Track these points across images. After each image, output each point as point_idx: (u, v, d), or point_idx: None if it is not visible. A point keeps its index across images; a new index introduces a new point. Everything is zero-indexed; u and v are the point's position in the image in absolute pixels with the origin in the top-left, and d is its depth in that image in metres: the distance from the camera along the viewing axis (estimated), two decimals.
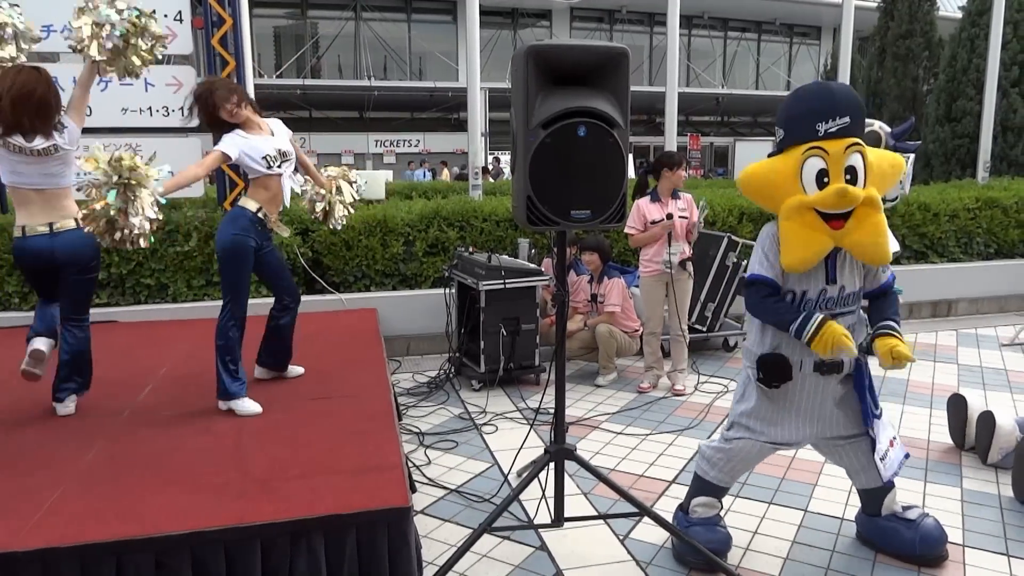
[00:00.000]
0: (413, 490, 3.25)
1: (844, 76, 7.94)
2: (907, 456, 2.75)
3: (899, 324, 2.64)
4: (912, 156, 5.50)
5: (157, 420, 3.26)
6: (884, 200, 5.34)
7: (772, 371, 2.58)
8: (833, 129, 2.44)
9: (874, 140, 5.46)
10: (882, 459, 2.64)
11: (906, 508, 2.85)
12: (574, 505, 3.17)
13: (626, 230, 4.89)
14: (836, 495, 3.33)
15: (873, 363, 2.62)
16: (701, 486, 2.85)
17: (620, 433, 4.13)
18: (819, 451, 2.88)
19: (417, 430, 4.13)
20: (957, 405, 3.86)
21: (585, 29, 26.71)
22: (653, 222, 4.67)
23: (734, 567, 2.74)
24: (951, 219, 7.33)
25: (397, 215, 5.85)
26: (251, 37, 6.29)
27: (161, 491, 2.50)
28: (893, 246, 5.68)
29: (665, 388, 4.87)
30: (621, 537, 2.97)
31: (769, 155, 2.67)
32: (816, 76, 19.18)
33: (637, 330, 5.13)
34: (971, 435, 3.76)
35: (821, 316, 2.48)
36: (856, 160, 2.46)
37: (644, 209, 4.77)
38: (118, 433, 3.10)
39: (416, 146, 24.48)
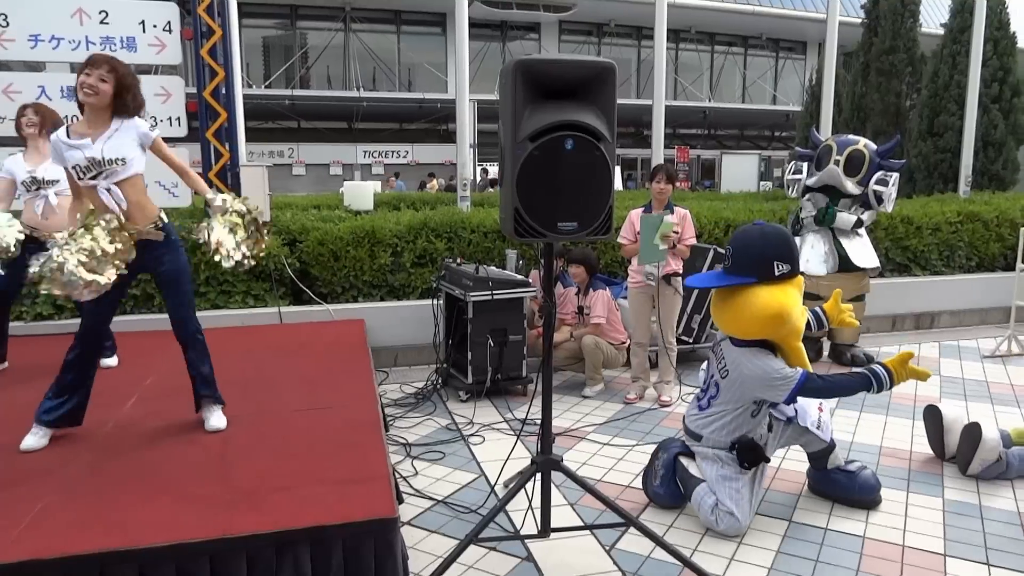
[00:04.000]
0: (400, 501, 3.24)
1: (828, 91, 8.06)
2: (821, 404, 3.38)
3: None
4: (896, 175, 5.60)
5: (142, 431, 3.25)
6: (861, 222, 5.45)
7: (748, 455, 3.11)
8: None
9: (859, 158, 5.55)
10: (817, 427, 3.27)
11: (848, 463, 3.42)
12: (560, 516, 3.18)
13: (619, 239, 4.93)
14: (822, 505, 3.37)
15: None
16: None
17: (607, 444, 4.14)
18: None
19: (404, 441, 4.13)
20: (933, 417, 3.91)
21: (574, 42, 26.92)
22: (639, 232, 4.70)
23: None
24: (933, 232, 7.43)
25: (385, 226, 5.87)
26: (240, 47, 6.30)
27: (146, 503, 2.49)
28: (874, 261, 5.78)
29: (651, 399, 4.89)
30: (607, 548, 2.98)
31: (759, 281, 3.02)
32: (802, 90, 19.39)
33: (624, 342, 5.16)
34: (951, 445, 3.81)
35: (882, 368, 3.09)
36: None
37: (634, 220, 4.81)
38: (102, 444, 3.08)
39: (405, 157, 24.53)
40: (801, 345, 3.09)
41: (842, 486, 3.37)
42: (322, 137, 24.67)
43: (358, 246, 5.75)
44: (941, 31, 11.98)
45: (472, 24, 6.86)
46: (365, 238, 5.78)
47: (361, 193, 7.10)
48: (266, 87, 23.49)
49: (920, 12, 12.80)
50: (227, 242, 3.14)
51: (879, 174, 5.47)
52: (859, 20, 13.37)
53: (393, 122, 25.84)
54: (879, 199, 5.47)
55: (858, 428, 4.37)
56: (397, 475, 3.49)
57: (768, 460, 3.22)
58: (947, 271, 7.51)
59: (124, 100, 3.07)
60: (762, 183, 21.67)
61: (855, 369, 3.16)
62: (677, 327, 5.21)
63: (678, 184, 5.04)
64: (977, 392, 5.11)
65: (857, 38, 13.18)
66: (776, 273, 3.00)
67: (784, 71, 30.54)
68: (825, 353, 5.99)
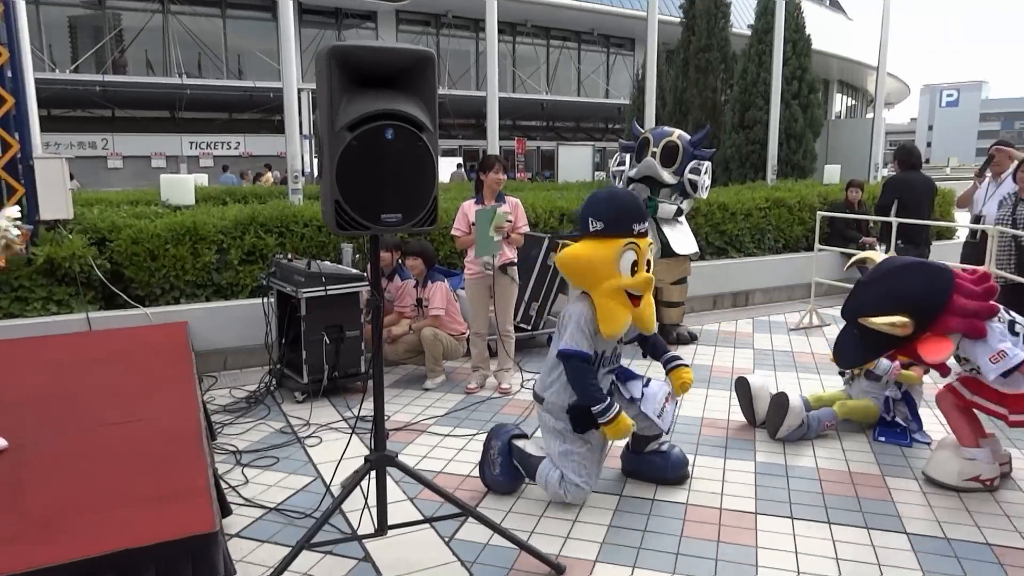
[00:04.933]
0: (227, 513, 3.06)
1: (651, 86, 8.51)
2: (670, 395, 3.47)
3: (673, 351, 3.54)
4: (708, 163, 5.99)
5: None
6: (681, 210, 5.76)
7: (581, 419, 3.18)
8: (643, 230, 3.18)
9: (673, 149, 5.90)
10: (659, 416, 3.38)
11: (660, 443, 3.55)
12: (400, 512, 3.13)
13: (452, 232, 4.94)
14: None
15: None
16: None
17: (447, 435, 4.14)
18: None
19: (234, 448, 3.91)
20: (742, 388, 4.27)
21: (412, 32, 26.65)
22: (473, 224, 4.73)
23: (554, 556, 2.83)
24: (746, 217, 8.07)
25: (208, 222, 5.50)
26: (37, 25, 5.63)
27: None
28: (692, 247, 6.16)
29: (492, 388, 4.95)
30: (446, 539, 2.98)
31: (574, 238, 3.25)
32: (631, 85, 20.46)
33: (464, 332, 5.18)
34: (760, 412, 4.16)
35: (618, 408, 3.12)
36: (648, 254, 3.24)
37: (467, 211, 4.83)
38: None
39: (236, 148, 23.22)
40: (611, 306, 3.10)
41: (657, 466, 3.51)
42: (141, 127, 22.81)
43: (178, 244, 5.36)
44: (749, 32, 13.02)
45: (305, 11, 6.61)
46: (186, 235, 5.39)
47: (180, 186, 6.60)
48: (73, 71, 21.33)
49: (731, 13, 13.84)
50: None
51: (692, 163, 5.83)
52: (678, 19, 14.24)
53: (222, 111, 24.38)
54: (693, 187, 5.83)
55: (681, 402, 4.66)
56: (224, 486, 3.29)
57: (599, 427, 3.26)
58: (759, 253, 8.19)
59: None
60: (597, 173, 22.63)
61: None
62: (515, 315, 5.31)
63: (515, 175, 5.11)
64: (784, 362, 5.62)
65: (678, 36, 14.04)
66: (591, 229, 3.15)
67: (615, 66, 32.00)
68: None
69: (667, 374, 3.46)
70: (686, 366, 3.46)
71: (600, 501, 3.32)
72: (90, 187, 14.58)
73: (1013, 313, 3.28)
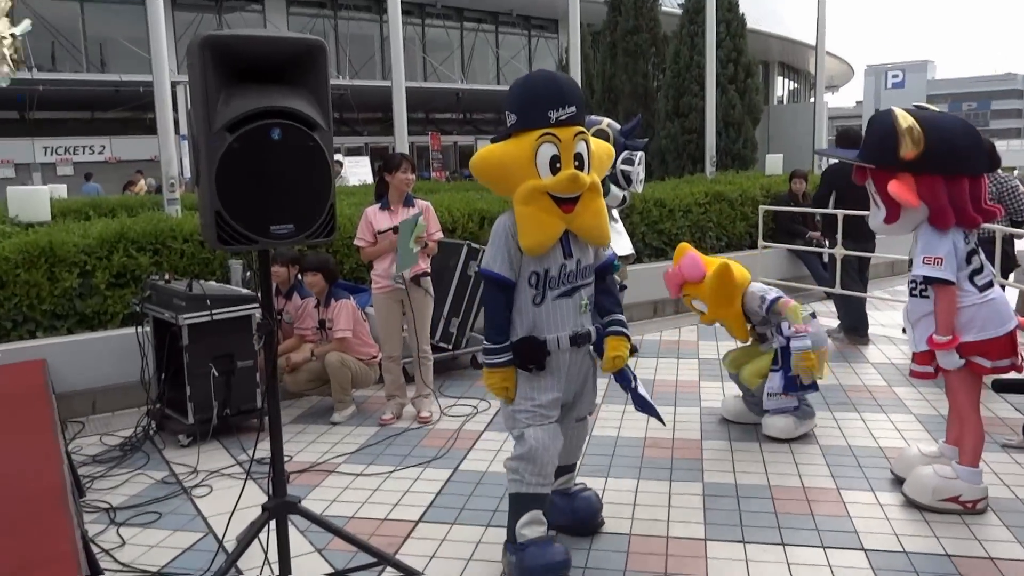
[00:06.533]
0: None
1: (576, 72, 8.68)
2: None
3: (622, 315, 3.20)
4: (641, 153, 6.16)
5: None
6: (626, 199, 5.87)
7: (526, 355, 2.93)
8: (563, 117, 2.82)
9: (603, 138, 6.02)
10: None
11: (575, 486, 3.38)
12: (307, 565, 3.08)
13: (355, 242, 4.91)
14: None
15: None
16: (520, 504, 2.99)
17: (360, 474, 4.10)
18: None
19: (107, 505, 3.77)
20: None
21: (304, 16, 26.33)
22: (380, 232, 4.71)
23: None
24: (685, 214, 8.31)
25: (68, 240, 5.30)
26: None
27: None
28: (628, 248, 6.30)
29: (410, 417, 4.93)
30: None
31: (494, 139, 3.01)
32: (556, 71, 20.81)
33: (375, 356, 5.14)
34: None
35: (507, 359, 2.92)
36: (583, 147, 2.90)
37: (372, 218, 4.81)
38: None
39: (101, 153, 22.41)
40: (529, 213, 2.86)
41: (559, 509, 3.28)
42: None
43: (31, 267, 5.13)
44: (679, 11, 13.46)
45: None
46: (41, 257, 5.17)
47: (33, 200, 6.34)
48: None
49: None
50: None
51: (625, 154, 5.95)
52: None
53: (83, 110, 23.51)
54: (627, 179, 5.96)
55: (623, 424, 4.75)
56: (95, 549, 3.17)
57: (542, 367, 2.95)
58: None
59: None
60: None
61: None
62: (433, 333, 5.30)
63: (433, 174, 5.12)
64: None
65: (603, 16, 14.36)
66: (508, 125, 2.93)
67: (538, 50, 32.41)
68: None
69: (605, 336, 3.12)
70: (625, 335, 3.11)
71: None
72: None
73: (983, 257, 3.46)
